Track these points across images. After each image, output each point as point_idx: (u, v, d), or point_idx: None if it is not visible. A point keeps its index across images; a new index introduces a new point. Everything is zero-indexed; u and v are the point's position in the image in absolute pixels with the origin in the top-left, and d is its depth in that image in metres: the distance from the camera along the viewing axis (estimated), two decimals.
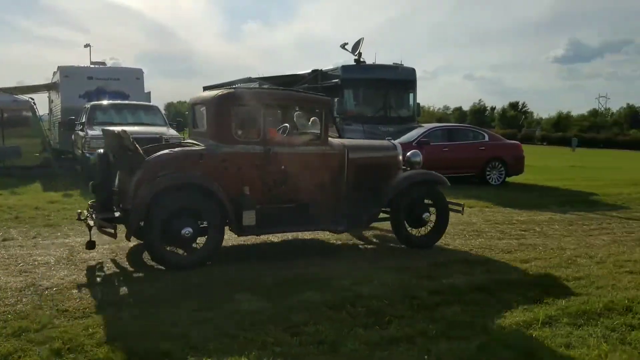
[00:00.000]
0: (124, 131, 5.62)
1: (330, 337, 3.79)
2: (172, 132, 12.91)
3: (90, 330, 3.81)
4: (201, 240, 5.62)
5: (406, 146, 13.63)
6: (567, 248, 6.85)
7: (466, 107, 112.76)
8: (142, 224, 5.45)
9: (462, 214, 7.30)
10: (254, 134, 6.03)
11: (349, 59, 16.99)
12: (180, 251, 5.60)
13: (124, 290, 4.85)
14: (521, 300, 4.60)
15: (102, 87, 16.40)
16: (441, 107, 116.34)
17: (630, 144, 59.59)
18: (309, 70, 17.58)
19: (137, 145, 5.61)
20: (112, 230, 5.44)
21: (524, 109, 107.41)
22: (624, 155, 39.29)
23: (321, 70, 17.29)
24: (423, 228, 6.73)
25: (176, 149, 5.87)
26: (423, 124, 16.33)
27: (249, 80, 19.78)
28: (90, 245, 5.69)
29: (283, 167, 6.00)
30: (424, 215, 6.63)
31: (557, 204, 10.79)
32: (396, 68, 16.85)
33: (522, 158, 14.91)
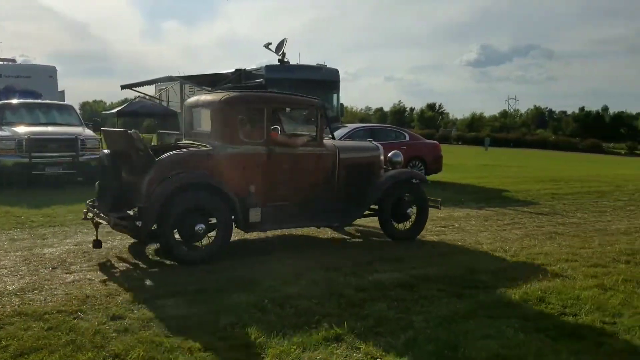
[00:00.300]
0: (135, 132, 5.77)
1: (260, 340, 3.75)
2: (88, 132, 12.33)
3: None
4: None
5: None
6: (484, 242, 7.18)
7: (387, 108, 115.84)
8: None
9: (440, 209, 7.89)
10: (258, 135, 6.30)
11: (273, 59, 16.95)
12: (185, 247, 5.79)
13: None
14: (443, 295, 4.77)
15: (11, 86, 15.40)
16: (363, 107, 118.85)
17: (538, 143, 63.59)
18: (232, 70, 17.37)
19: (147, 146, 5.86)
20: (131, 228, 5.62)
21: (440, 110, 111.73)
22: (532, 154, 41.86)
23: (244, 69, 17.13)
24: (406, 222, 7.25)
25: (184, 150, 6.07)
26: (346, 124, 16.58)
27: (170, 79, 19.26)
28: (97, 244, 5.84)
29: (284, 167, 6.37)
30: (407, 211, 7.17)
31: (473, 201, 11.30)
32: (320, 69, 16.99)
33: (441, 157, 15.49)
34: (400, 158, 7.59)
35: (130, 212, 5.90)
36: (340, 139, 13.82)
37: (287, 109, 7.11)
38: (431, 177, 15.24)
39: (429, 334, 3.89)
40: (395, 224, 7.19)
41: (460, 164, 23.80)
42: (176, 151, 5.98)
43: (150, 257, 6.06)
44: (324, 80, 16.72)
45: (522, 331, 3.93)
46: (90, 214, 6.09)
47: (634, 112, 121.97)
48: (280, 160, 6.33)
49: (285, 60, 16.66)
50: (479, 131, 76.54)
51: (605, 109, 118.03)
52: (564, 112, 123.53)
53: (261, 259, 6.05)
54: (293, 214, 6.51)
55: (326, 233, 7.53)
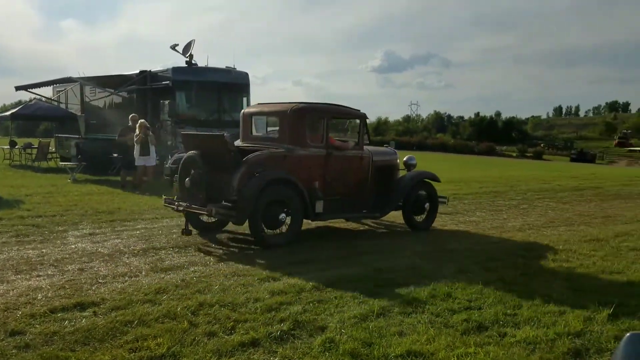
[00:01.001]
0: (227, 135, 6.99)
1: (173, 349, 3.62)
2: None
3: None
4: None
5: None
6: (393, 243, 7.42)
7: None
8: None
9: (447, 204, 9.14)
10: (319, 140, 7.45)
11: (180, 61, 16.53)
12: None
13: None
14: (357, 294, 4.86)
15: None
16: None
17: (438, 147, 66.88)
18: (137, 71, 16.74)
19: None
20: (232, 215, 6.69)
21: None
22: (433, 157, 43.77)
23: (150, 71, 16.56)
24: (422, 215, 8.53)
25: (265, 151, 7.12)
26: None
27: (70, 80, 18.22)
28: (187, 232, 7.07)
29: (338, 167, 7.58)
30: (425, 205, 8.49)
31: None
32: (230, 71, 16.78)
33: None
34: (414, 161, 8.84)
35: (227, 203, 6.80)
36: None
37: (341, 120, 8.41)
38: None
39: (344, 333, 3.94)
40: (415, 217, 8.42)
41: None
42: (258, 152, 7.04)
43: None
44: (233, 83, 16.55)
45: (433, 326, 4.09)
46: (181, 207, 7.12)
47: (523, 117, 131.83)
48: (335, 161, 7.56)
49: (193, 62, 16.30)
50: (384, 135, 79.04)
51: (498, 114, 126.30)
52: (461, 117, 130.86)
53: (168, 265, 5.87)
54: (343, 207, 7.73)
55: (233, 233, 7.44)
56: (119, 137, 13.62)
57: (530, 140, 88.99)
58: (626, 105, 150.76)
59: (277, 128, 7.79)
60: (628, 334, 1.46)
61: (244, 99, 17.13)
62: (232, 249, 6.80)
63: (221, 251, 6.68)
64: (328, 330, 4.02)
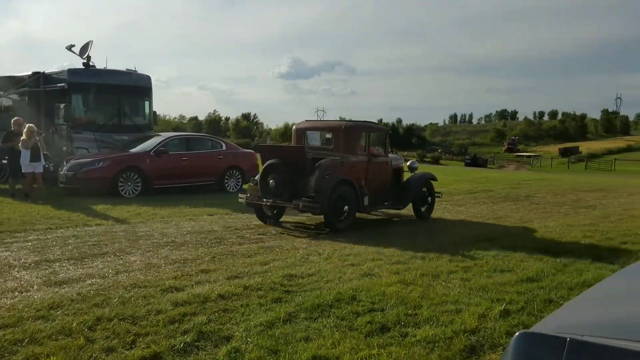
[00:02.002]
0: (306, 146, 9.58)
1: None
2: None
3: None
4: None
5: (143, 155, 13.29)
6: (300, 247, 7.46)
7: (202, 117, 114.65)
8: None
9: (440, 197, 11.38)
10: (364, 150, 9.79)
11: (77, 63, 15.68)
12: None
13: None
14: (264, 301, 4.83)
15: None
16: (177, 116, 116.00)
17: None
18: (29, 72, 15.66)
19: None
20: (315, 208, 8.73)
21: (255, 120, 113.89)
22: None
23: (44, 72, 15.56)
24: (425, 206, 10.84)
25: (329, 158, 9.25)
26: (160, 133, 15.98)
27: None
28: (279, 224, 9.36)
29: (375, 170, 9.92)
30: (428, 199, 10.82)
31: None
32: (130, 74, 16.14)
33: (257, 166, 15.72)
34: (417, 165, 11.43)
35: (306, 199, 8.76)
36: (153, 148, 13.38)
37: (374, 134, 10.52)
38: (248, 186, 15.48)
39: (250, 342, 3.90)
40: (421, 208, 10.72)
41: None
42: (325, 160, 9.17)
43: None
44: (134, 86, 15.95)
45: (338, 330, 4.16)
46: (268, 202, 9.05)
47: (422, 124, 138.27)
48: (373, 166, 9.88)
49: (91, 64, 15.51)
50: (292, 141, 79.45)
51: (400, 121, 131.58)
52: None
53: (61, 277, 5.52)
54: (378, 201, 9.97)
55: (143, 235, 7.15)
56: (2, 142, 12.65)
57: (429, 146, 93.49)
58: (514, 113, 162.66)
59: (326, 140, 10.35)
60: (517, 333, 1.55)
61: (146, 103, 16.55)
62: (132, 258, 6.51)
63: (120, 262, 6.38)
64: (234, 339, 3.96)
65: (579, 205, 14.41)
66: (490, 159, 65.45)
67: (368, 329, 4.17)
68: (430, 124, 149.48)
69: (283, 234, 8.61)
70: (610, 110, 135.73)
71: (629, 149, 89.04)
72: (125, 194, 12.73)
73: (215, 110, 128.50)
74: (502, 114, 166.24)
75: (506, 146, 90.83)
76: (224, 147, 15.08)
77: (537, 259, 6.89)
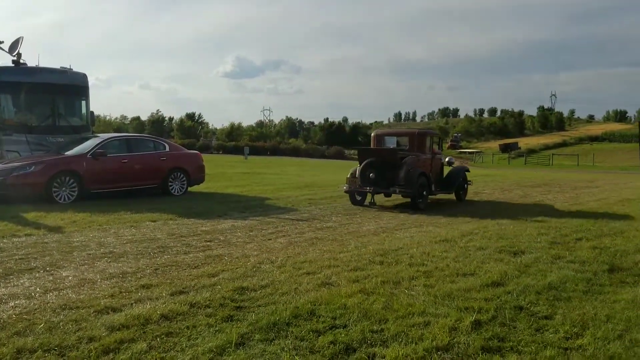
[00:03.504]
0: (397, 149, 13.25)
1: None
2: None
3: None
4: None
5: (80, 158, 12.42)
6: (251, 255, 6.97)
7: (144, 117, 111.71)
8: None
9: (471, 184, 15.65)
10: (429, 149, 13.62)
11: (6, 61, 14.58)
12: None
13: None
14: (213, 321, 4.33)
15: None
16: (118, 116, 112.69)
17: (291, 151, 67.91)
18: None
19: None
20: (408, 193, 12.40)
21: (200, 120, 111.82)
22: (287, 161, 44.26)
23: None
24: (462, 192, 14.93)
25: (409, 156, 12.96)
26: (99, 134, 15.07)
27: None
28: (374, 204, 12.92)
29: (435, 164, 13.75)
30: (465, 186, 14.86)
31: (237, 211, 11.16)
32: (64, 72, 15.12)
33: (203, 167, 15.12)
34: (454, 160, 15.64)
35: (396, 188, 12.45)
36: (91, 150, 12.55)
37: (434, 137, 14.57)
38: (194, 189, 14.80)
39: None
40: (460, 192, 14.76)
41: (222, 173, 23.76)
42: (408, 157, 12.86)
43: None
44: (69, 85, 14.96)
45: (298, 354, 3.71)
46: (370, 190, 12.63)
47: (367, 122, 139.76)
48: (435, 161, 13.79)
49: (22, 61, 14.42)
50: (238, 140, 78.39)
51: (345, 119, 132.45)
52: (312, 123, 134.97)
53: None
54: (436, 188, 13.52)
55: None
56: None
57: None
58: (456, 111, 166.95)
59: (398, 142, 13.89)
60: None
61: (82, 102, 15.56)
62: (64, 273, 5.84)
63: (51, 278, 5.70)
64: None
65: (526, 202, 14.56)
66: None
67: (332, 351, 3.74)
68: (376, 122, 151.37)
69: (236, 241, 8.09)
70: (545, 107, 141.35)
71: (564, 144, 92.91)
72: (60, 199, 11.85)
73: (158, 110, 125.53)
74: (444, 112, 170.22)
75: (449, 143, 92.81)
76: (168, 148, 14.34)
77: (497, 260, 6.68)
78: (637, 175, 32.36)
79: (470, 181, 15.19)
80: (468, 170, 15.38)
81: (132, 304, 4.79)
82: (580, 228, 9.38)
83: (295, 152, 67.17)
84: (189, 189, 14.46)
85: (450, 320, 4.28)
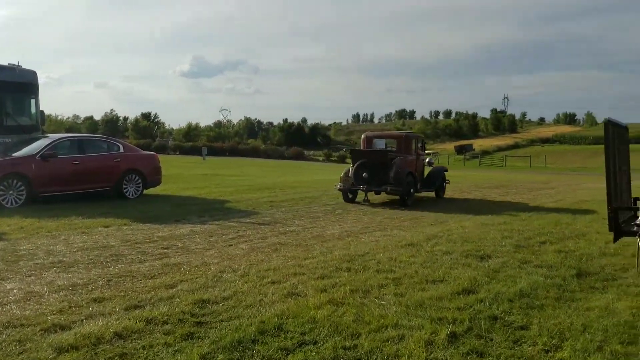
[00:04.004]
0: (386, 149, 14.64)
1: None
2: None
3: None
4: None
5: (28, 160, 11.75)
6: (212, 263, 6.63)
7: (98, 117, 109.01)
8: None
9: (449, 183, 16.71)
10: (414, 151, 14.77)
11: None
12: None
13: None
14: (171, 339, 3.99)
15: None
16: (70, 116, 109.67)
17: (250, 152, 67.24)
18: None
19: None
20: (398, 192, 13.49)
21: (156, 120, 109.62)
22: (246, 162, 43.72)
23: None
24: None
25: (398, 157, 14.00)
26: (49, 134, 14.33)
27: None
28: (367, 201, 13.79)
29: (419, 164, 14.88)
30: (444, 184, 15.97)
31: (196, 215, 10.76)
32: (13, 69, 14.29)
33: (159, 169, 14.59)
34: (433, 161, 17.32)
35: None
36: (40, 152, 11.90)
37: (419, 140, 15.61)
38: (150, 191, 14.24)
39: None
40: (439, 192, 15.87)
41: (179, 174, 23.12)
42: (397, 158, 13.91)
43: None
44: (17, 83, 14.12)
45: None
46: (364, 188, 13.59)
47: (326, 123, 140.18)
48: (419, 162, 14.95)
49: None
50: (195, 141, 77.02)
51: (305, 120, 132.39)
52: (271, 123, 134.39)
53: None
54: (420, 186, 14.81)
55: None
56: None
57: (334, 145, 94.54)
58: (412, 113, 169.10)
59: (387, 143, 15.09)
60: None
61: (32, 101, 14.74)
62: (9, 286, 5.37)
63: None
64: None
65: (486, 204, 14.66)
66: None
67: None
68: (334, 123, 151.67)
69: (195, 248, 7.72)
70: (498, 109, 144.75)
71: (516, 146, 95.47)
72: (6, 204, 11.17)
73: (112, 110, 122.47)
74: (401, 114, 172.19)
75: None
76: (122, 149, 13.75)
77: (465, 265, 6.57)
78: (588, 177, 33.39)
79: (448, 180, 16.33)
80: (447, 170, 16.68)
81: (82, 320, 4.42)
82: (542, 231, 9.42)
83: (254, 153, 66.48)
84: (145, 191, 13.91)
85: (426, 334, 4.07)
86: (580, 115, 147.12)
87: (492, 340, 4.02)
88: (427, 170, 16.02)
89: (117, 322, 4.32)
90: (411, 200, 13.81)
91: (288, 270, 6.21)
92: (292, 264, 6.61)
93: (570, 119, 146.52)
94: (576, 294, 5.29)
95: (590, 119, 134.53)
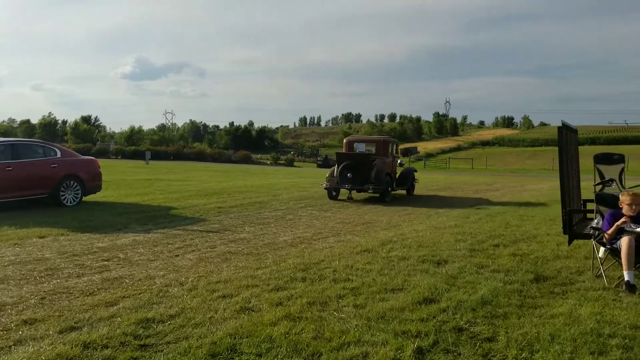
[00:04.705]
0: (370, 152, 16.76)
1: None
2: None
3: None
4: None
5: None
6: (156, 276, 6.19)
7: (35, 120, 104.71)
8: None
9: (417, 182, 18.83)
10: (391, 154, 16.94)
11: None
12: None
13: None
14: None
15: None
16: (6, 119, 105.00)
17: (196, 156, 65.80)
18: None
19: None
20: (379, 190, 15.28)
21: (97, 123, 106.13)
22: (192, 167, 42.69)
23: None
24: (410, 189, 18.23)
25: (377, 159, 15.85)
26: None
27: None
28: (351, 199, 15.97)
29: (394, 165, 17.08)
30: (414, 183, 18.08)
31: (139, 223, 10.20)
32: None
33: (99, 174, 13.85)
34: (403, 162, 19.19)
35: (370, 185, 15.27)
36: None
37: (394, 143, 17.79)
38: (90, 198, 13.48)
39: None
40: (410, 190, 17.94)
41: (121, 179, 22.16)
42: (377, 160, 15.75)
43: None
44: None
45: None
46: (348, 187, 15.35)
47: (274, 126, 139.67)
48: (394, 163, 17.06)
49: None
50: (138, 145, 74.72)
51: (251, 123, 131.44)
52: (217, 127, 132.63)
53: None
54: (395, 185, 16.61)
55: None
56: None
57: (282, 148, 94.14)
58: (358, 116, 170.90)
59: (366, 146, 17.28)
60: None
61: None
62: None
63: None
64: None
65: (435, 206, 14.71)
66: None
67: None
68: (282, 126, 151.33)
69: (139, 259, 7.22)
70: (440, 113, 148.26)
71: (458, 148, 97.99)
72: None
73: (50, 113, 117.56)
74: (348, 117, 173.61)
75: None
76: (59, 154, 12.94)
77: (423, 272, 6.40)
78: (530, 178, 34.46)
79: (417, 180, 18.45)
80: (416, 171, 18.89)
81: (10, 347, 3.94)
82: (494, 233, 9.44)
83: (200, 157, 65.09)
84: (84, 198, 13.15)
85: (391, 350, 3.82)
86: (517, 119, 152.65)
87: (460, 354, 3.82)
88: (399, 170, 17.94)
89: (50, 348, 3.86)
90: (389, 197, 15.55)
91: (240, 282, 5.85)
92: (243, 274, 6.26)
93: (508, 122, 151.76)
94: (537, 300, 5.20)
95: (527, 122, 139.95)
